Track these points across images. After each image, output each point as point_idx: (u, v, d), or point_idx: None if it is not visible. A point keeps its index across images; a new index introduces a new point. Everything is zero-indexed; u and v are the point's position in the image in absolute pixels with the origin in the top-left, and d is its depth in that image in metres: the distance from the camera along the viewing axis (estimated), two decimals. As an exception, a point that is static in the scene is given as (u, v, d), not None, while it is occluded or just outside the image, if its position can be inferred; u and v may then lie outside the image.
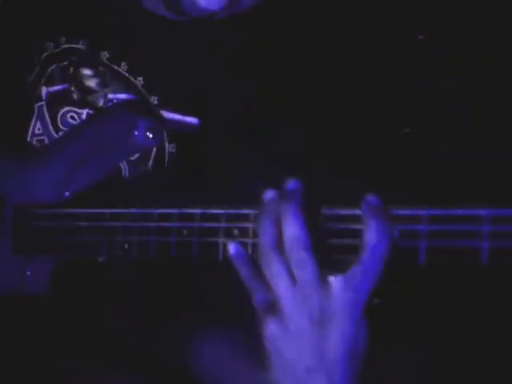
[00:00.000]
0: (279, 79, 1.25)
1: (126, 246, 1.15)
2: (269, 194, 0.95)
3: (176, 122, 1.29)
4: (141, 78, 1.30)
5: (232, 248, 1.01)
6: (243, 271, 0.98)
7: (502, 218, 0.90)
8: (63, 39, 1.33)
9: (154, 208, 1.12)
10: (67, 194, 1.26)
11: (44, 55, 1.36)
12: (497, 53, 1.39)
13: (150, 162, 1.29)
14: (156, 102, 1.30)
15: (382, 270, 0.89)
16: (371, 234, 0.88)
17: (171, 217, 1.11)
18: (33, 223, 1.27)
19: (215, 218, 1.08)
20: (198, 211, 1.09)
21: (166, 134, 1.28)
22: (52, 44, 1.35)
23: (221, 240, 1.08)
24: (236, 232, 1.06)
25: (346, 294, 0.88)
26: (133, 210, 1.14)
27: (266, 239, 0.93)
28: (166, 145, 1.29)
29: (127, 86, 1.30)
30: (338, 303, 0.89)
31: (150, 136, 1.23)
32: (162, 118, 1.26)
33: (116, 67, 1.31)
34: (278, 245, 0.92)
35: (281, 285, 0.91)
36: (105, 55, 1.32)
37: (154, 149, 1.28)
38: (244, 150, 1.21)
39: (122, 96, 1.31)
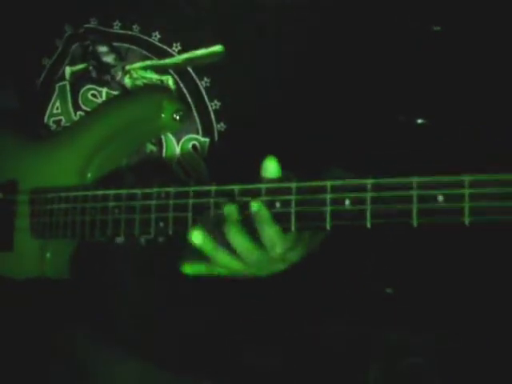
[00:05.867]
0: None
1: (162, 224, 1.18)
2: None
3: (203, 57, 1.32)
4: (156, 33, 1.33)
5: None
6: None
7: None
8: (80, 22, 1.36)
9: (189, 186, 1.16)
10: (89, 175, 1.28)
11: (66, 36, 1.38)
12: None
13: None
14: (179, 48, 1.33)
15: None
16: None
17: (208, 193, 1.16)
18: (54, 206, 1.29)
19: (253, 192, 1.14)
20: (236, 187, 1.14)
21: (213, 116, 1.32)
22: (71, 26, 1.37)
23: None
24: (278, 204, 1.12)
25: None
26: (167, 189, 1.18)
27: None
28: (214, 123, 1.33)
29: (143, 49, 1.33)
30: None
31: (177, 118, 1.27)
32: (187, 100, 1.31)
33: (130, 32, 1.34)
34: None
35: None
36: (117, 25, 1.35)
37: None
38: None
39: (138, 65, 1.34)
